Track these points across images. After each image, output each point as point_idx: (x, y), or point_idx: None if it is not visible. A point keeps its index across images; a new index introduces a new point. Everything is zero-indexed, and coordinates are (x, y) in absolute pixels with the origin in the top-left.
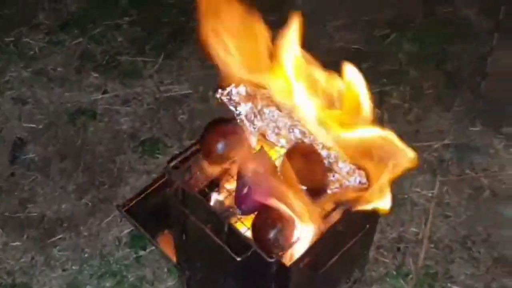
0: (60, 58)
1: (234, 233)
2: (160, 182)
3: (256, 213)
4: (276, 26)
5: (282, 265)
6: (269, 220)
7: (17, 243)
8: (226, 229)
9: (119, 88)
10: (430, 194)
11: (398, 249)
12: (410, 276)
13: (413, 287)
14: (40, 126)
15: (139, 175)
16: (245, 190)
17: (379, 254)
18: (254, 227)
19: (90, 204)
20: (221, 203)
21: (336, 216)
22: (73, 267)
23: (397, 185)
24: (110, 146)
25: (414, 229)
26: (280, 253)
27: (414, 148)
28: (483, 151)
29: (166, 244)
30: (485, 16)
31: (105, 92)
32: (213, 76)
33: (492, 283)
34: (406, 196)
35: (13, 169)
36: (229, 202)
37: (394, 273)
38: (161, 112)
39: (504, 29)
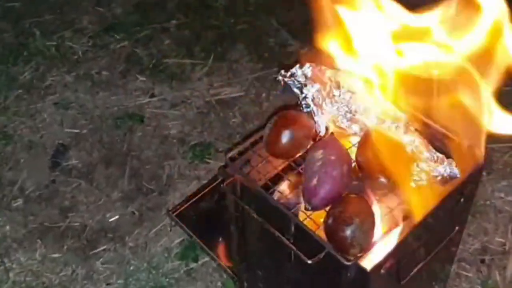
0: (105, 62)
1: (303, 232)
2: (213, 185)
3: (328, 208)
4: None
5: (361, 269)
6: (344, 215)
7: (57, 255)
8: (293, 227)
9: (167, 92)
10: None
11: (483, 261)
12: None
13: None
14: (84, 131)
15: (189, 181)
16: (315, 181)
17: (460, 267)
18: (327, 224)
19: (137, 213)
20: (286, 198)
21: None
22: (118, 281)
23: (478, 191)
24: (158, 152)
25: (499, 239)
26: (358, 255)
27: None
28: None
29: (221, 254)
30: None
31: (152, 95)
32: (264, 79)
33: None
34: (488, 202)
35: (54, 176)
36: (295, 196)
37: (479, 287)
38: (211, 115)
39: None
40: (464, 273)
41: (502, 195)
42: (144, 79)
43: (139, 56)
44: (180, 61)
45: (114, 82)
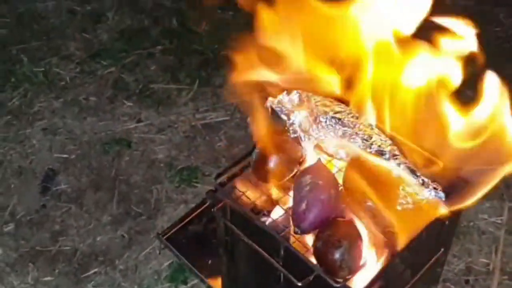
0: (92, 88)
1: (293, 255)
2: (202, 208)
3: (317, 231)
4: None
5: None
6: (333, 238)
7: (49, 278)
8: (283, 250)
9: (154, 117)
10: (499, 221)
11: (467, 282)
12: None
13: None
14: (73, 157)
15: (177, 205)
16: (304, 206)
17: None
18: (316, 247)
19: (126, 236)
20: (276, 222)
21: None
22: None
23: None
24: (146, 176)
25: (483, 260)
26: (347, 277)
27: None
28: None
29: (211, 276)
30: None
31: (139, 120)
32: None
33: None
34: (472, 223)
35: (44, 201)
36: (285, 220)
37: None
38: (197, 139)
39: None
40: None
41: (486, 216)
42: (131, 104)
43: (125, 82)
44: (166, 86)
45: (102, 108)
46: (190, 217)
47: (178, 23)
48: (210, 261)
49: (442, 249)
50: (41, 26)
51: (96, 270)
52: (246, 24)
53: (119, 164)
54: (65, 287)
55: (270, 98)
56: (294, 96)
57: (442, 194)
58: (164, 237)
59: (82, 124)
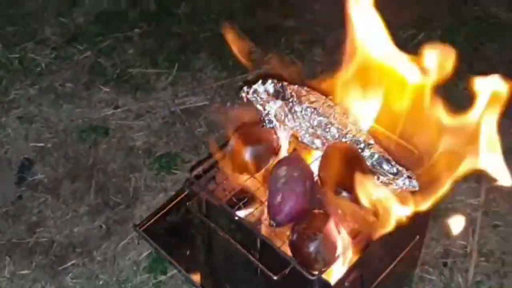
0: (69, 74)
1: (268, 248)
2: (180, 198)
3: (293, 223)
4: None
5: (325, 284)
6: (308, 230)
7: (26, 271)
8: (259, 244)
9: (132, 103)
10: (476, 203)
11: (445, 264)
12: None
13: None
14: (49, 145)
15: (156, 193)
16: (279, 198)
17: (424, 271)
18: (292, 240)
19: (104, 226)
20: (251, 215)
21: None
22: None
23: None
24: (124, 164)
25: (461, 242)
26: (322, 269)
27: None
28: None
29: (189, 266)
30: None
31: (116, 107)
32: (229, 86)
33: None
34: (450, 205)
35: (20, 191)
36: (260, 213)
37: None
38: (177, 125)
39: None
40: (428, 276)
41: (463, 197)
42: (108, 90)
43: (102, 67)
44: (144, 70)
45: (78, 94)
46: (168, 208)
47: (156, 5)
48: (188, 252)
49: (418, 236)
50: (17, 11)
51: (73, 262)
52: (226, 5)
53: (96, 152)
54: (43, 280)
55: (244, 88)
56: (269, 86)
57: (415, 184)
58: (142, 229)
59: (59, 112)
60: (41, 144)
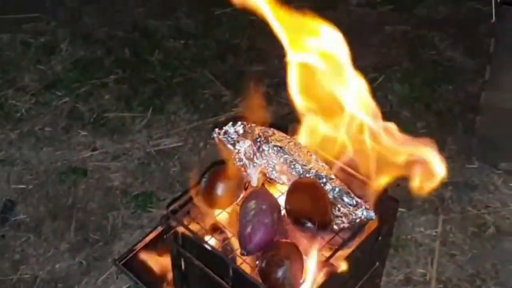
0: (48, 118)
1: (240, 275)
2: (156, 233)
3: (262, 252)
4: None
5: None
6: (276, 258)
7: None
8: (231, 271)
9: (109, 145)
10: (434, 233)
11: None
12: None
13: None
14: (30, 187)
15: (133, 230)
16: (249, 229)
17: None
18: (261, 267)
19: (84, 262)
20: (224, 245)
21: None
22: None
23: (400, 226)
24: (102, 203)
25: (421, 270)
26: None
27: None
28: (483, 188)
29: None
30: (469, 56)
31: (94, 149)
32: (201, 128)
33: None
34: (409, 236)
35: (3, 231)
36: (232, 244)
37: None
38: (152, 166)
39: (495, 64)
40: None
41: (422, 229)
42: (86, 133)
43: (80, 112)
44: (120, 114)
45: (57, 138)
46: (145, 242)
47: (130, 53)
48: (165, 284)
49: (377, 263)
50: None
51: None
52: (197, 52)
53: (76, 192)
54: None
55: (216, 129)
56: (239, 127)
57: (372, 214)
58: (121, 263)
59: (39, 154)
60: (23, 186)
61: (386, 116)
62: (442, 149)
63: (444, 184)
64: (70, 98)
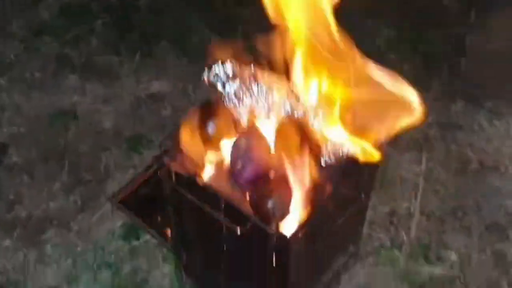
0: (37, 64)
1: (232, 208)
2: (150, 172)
3: (252, 187)
4: None
5: (282, 236)
6: (266, 190)
7: (7, 242)
8: (223, 205)
9: (98, 89)
10: (418, 170)
11: (391, 222)
12: (404, 246)
13: (408, 257)
14: (22, 130)
15: (126, 170)
16: (239, 165)
17: (372, 229)
18: (252, 200)
19: (79, 201)
20: (215, 180)
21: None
22: (67, 261)
23: (386, 163)
24: (94, 145)
25: (405, 204)
26: (279, 224)
27: None
28: (467, 127)
29: (161, 231)
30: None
31: (84, 93)
32: (191, 73)
33: (486, 248)
34: (395, 173)
35: None
36: (224, 179)
37: (389, 244)
38: (142, 109)
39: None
40: (376, 234)
41: (406, 166)
42: (76, 78)
43: (69, 57)
44: (109, 58)
45: (47, 83)
46: (139, 180)
47: None
48: (159, 218)
49: (363, 195)
50: None
51: (52, 232)
52: None
53: (67, 135)
54: (24, 249)
55: (205, 72)
56: (228, 68)
57: (358, 149)
58: (116, 200)
59: (29, 100)
60: (14, 130)
61: (374, 59)
62: (427, 90)
63: (429, 124)
64: (58, 44)
